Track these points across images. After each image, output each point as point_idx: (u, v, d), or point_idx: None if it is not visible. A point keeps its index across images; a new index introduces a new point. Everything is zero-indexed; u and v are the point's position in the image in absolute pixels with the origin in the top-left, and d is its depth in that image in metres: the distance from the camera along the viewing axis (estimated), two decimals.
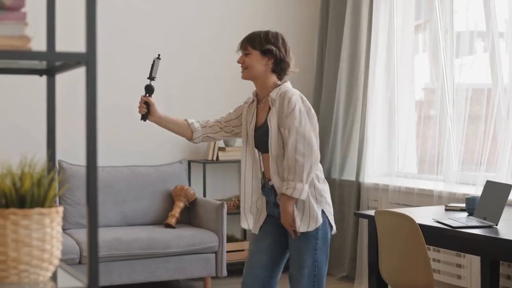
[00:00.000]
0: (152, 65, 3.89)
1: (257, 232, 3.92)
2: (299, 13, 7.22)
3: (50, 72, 2.21)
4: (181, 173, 6.54)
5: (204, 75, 6.84)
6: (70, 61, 1.82)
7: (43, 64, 2.07)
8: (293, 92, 3.80)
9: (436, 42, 5.86)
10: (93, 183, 1.76)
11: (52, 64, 2.06)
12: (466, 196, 4.71)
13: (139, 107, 3.88)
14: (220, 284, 6.23)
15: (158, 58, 3.90)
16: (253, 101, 3.94)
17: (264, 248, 3.89)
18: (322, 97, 6.91)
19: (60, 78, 2.28)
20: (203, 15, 6.85)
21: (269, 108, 3.83)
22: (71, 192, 6.03)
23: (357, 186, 6.42)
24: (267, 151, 3.81)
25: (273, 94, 3.81)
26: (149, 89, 3.91)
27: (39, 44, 2.10)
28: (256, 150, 3.89)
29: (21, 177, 1.83)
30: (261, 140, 3.84)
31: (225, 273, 6.00)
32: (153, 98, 3.97)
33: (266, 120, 3.82)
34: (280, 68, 3.86)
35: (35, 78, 2.30)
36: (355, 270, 6.36)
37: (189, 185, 6.61)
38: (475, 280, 5.23)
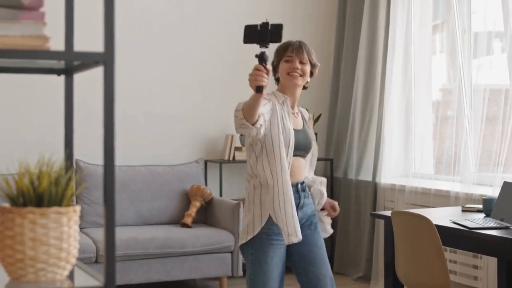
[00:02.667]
0: (268, 28, 3.41)
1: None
2: (316, 13, 7.21)
3: (68, 72, 2.22)
4: (198, 173, 6.55)
5: (222, 74, 6.85)
6: (88, 60, 1.83)
7: (61, 64, 2.07)
8: None
9: (454, 43, 5.84)
10: (110, 183, 1.76)
11: (70, 63, 2.06)
12: (483, 197, 4.69)
13: (260, 77, 3.33)
14: (236, 284, 6.23)
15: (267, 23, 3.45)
16: (282, 102, 3.85)
17: (278, 276, 3.79)
18: (339, 98, 6.90)
19: (78, 77, 2.28)
20: (220, 14, 6.85)
21: (303, 118, 4.00)
22: (88, 191, 6.05)
23: (374, 186, 6.40)
24: (301, 155, 3.88)
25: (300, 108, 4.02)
26: (264, 57, 3.36)
27: (57, 43, 2.11)
28: (285, 152, 3.77)
29: (39, 176, 1.84)
30: (300, 143, 3.85)
31: (240, 272, 6.00)
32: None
33: (304, 126, 3.95)
34: (305, 85, 3.96)
35: (53, 77, 2.31)
36: (371, 271, 6.35)
37: (206, 184, 6.62)
38: (491, 281, 5.20)
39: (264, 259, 3.72)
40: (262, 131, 3.61)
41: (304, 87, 3.95)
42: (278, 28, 3.42)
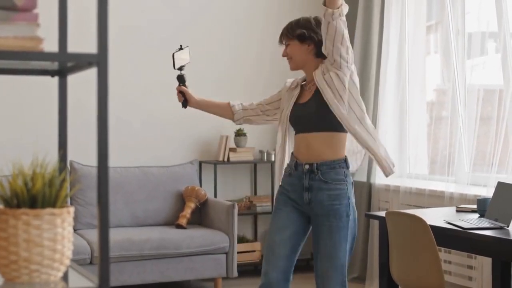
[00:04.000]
0: (173, 55, 4.01)
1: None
2: (310, 13, 7.20)
3: (61, 73, 2.22)
4: (192, 174, 6.55)
5: (216, 75, 6.85)
6: (81, 62, 1.83)
7: (54, 65, 2.07)
8: None
9: (448, 43, 5.85)
10: (104, 184, 1.76)
11: (63, 65, 2.06)
12: (478, 197, 4.69)
13: (177, 96, 4.11)
14: (230, 285, 6.23)
15: (180, 49, 4.04)
16: (296, 86, 3.91)
17: (286, 239, 3.81)
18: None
19: (71, 78, 2.28)
20: (215, 16, 6.85)
21: (317, 89, 3.79)
22: (82, 193, 6.04)
23: (368, 187, 6.41)
24: (307, 131, 3.80)
25: (317, 72, 3.80)
26: (180, 79, 4.09)
27: (51, 45, 2.11)
28: (288, 131, 3.90)
29: (32, 177, 1.84)
30: (298, 118, 3.83)
31: (235, 273, 6.00)
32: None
33: (309, 100, 3.81)
34: (321, 50, 3.81)
35: (47, 78, 2.31)
36: (366, 271, 6.36)
37: (200, 185, 6.62)
38: (486, 281, 5.21)
39: (271, 221, 3.94)
40: (240, 122, 4.17)
41: (320, 55, 3.81)
42: (175, 56, 4.03)
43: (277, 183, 3.96)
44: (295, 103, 3.86)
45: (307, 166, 3.77)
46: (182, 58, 4.03)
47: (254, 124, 4.25)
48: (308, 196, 3.78)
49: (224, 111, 4.14)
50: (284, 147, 3.91)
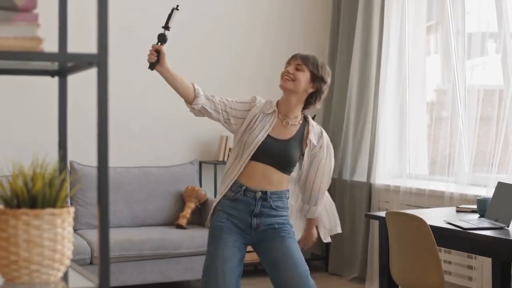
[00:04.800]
0: (170, 14, 3.85)
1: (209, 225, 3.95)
2: (311, 14, 7.21)
3: (61, 73, 2.22)
4: (192, 174, 6.55)
5: (216, 75, 6.85)
6: (81, 62, 1.83)
7: (55, 65, 2.07)
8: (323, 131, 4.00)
9: (448, 43, 5.85)
10: (104, 184, 1.76)
11: (63, 65, 2.06)
12: (478, 198, 4.70)
13: (149, 55, 3.79)
14: None
15: (176, 9, 3.87)
16: (272, 113, 3.86)
17: (235, 267, 3.81)
18: (333, 98, 6.90)
19: (71, 79, 2.28)
20: (215, 15, 6.85)
21: (301, 133, 3.87)
22: (83, 193, 6.04)
23: (368, 187, 6.41)
24: (272, 165, 3.80)
25: (314, 129, 3.92)
26: (162, 38, 3.81)
27: (51, 45, 2.11)
28: (245, 155, 3.82)
29: (32, 177, 1.84)
30: (270, 152, 3.80)
31: None
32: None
33: (290, 139, 3.83)
34: (312, 99, 3.87)
35: (47, 79, 2.31)
36: (366, 271, 6.36)
37: (200, 186, 6.62)
38: (486, 281, 5.21)
39: (215, 250, 3.89)
40: (197, 108, 3.84)
41: (308, 105, 3.87)
42: (172, 13, 3.87)
43: (216, 200, 3.95)
44: (268, 134, 3.82)
45: (259, 193, 3.80)
46: (175, 20, 3.88)
47: (203, 116, 3.97)
48: (257, 221, 3.81)
49: (187, 90, 3.84)
50: (238, 169, 3.83)
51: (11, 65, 1.99)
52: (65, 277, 1.92)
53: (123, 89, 6.43)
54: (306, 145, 3.87)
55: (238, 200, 3.82)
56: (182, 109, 6.72)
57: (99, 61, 1.75)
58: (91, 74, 1.86)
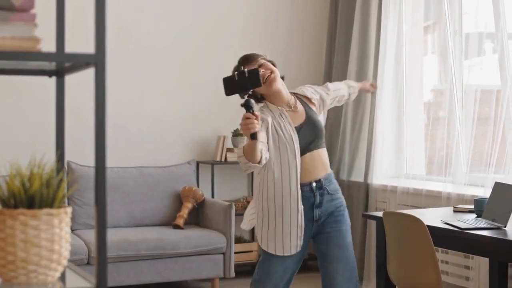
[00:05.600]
0: (244, 77, 3.61)
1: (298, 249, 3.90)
2: (308, 15, 7.21)
3: (59, 73, 2.22)
4: (190, 174, 6.55)
5: (214, 75, 6.84)
6: (79, 62, 1.83)
7: (52, 65, 2.07)
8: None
9: (445, 44, 5.85)
10: (101, 184, 1.76)
11: (61, 65, 2.06)
12: (475, 198, 4.69)
13: (251, 124, 3.44)
14: (228, 285, 6.23)
15: (240, 74, 3.64)
16: (280, 114, 3.91)
17: (290, 275, 3.94)
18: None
19: (69, 79, 2.28)
20: (213, 15, 6.85)
21: (303, 103, 3.99)
22: (80, 193, 6.04)
23: (366, 187, 6.41)
24: (315, 147, 3.89)
25: (305, 92, 4.07)
26: (250, 106, 3.49)
27: (48, 45, 2.11)
28: (299, 156, 3.85)
29: (30, 177, 1.84)
30: (308, 138, 3.89)
31: (233, 274, 6.00)
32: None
33: (307, 115, 3.93)
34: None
35: (44, 79, 2.31)
36: (363, 271, 6.36)
37: (198, 186, 6.62)
38: (483, 282, 5.21)
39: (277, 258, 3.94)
40: (264, 160, 3.68)
41: (282, 78, 3.97)
42: (255, 73, 3.59)
43: (299, 219, 3.87)
44: (294, 127, 3.90)
45: (314, 184, 3.87)
46: (245, 83, 3.64)
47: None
48: (318, 212, 3.89)
49: (258, 154, 3.59)
50: (295, 173, 3.82)
51: (9, 65, 1.99)
52: (62, 277, 1.92)
53: (121, 89, 6.43)
54: (314, 105, 4.02)
55: (307, 196, 3.89)
56: (179, 109, 6.74)
57: (96, 61, 1.75)
58: (89, 74, 1.86)
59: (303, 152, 3.86)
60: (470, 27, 5.76)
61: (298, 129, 3.89)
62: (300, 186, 3.85)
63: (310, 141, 3.89)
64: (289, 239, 3.86)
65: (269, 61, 3.95)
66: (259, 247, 6.56)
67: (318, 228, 3.92)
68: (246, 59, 3.93)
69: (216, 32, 6.86)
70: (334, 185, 3.97)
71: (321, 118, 4.03)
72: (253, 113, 3.44)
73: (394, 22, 6.34)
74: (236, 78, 3.57)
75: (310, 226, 3.90)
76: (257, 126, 3.44)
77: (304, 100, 4.03)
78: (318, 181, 3.88)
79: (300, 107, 3.98)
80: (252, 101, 3.49)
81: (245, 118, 3.42)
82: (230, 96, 3.63)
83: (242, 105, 3.47)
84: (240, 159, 3.63)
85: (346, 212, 4.00)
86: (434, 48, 6.58)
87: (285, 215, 3.84)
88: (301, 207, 3.83)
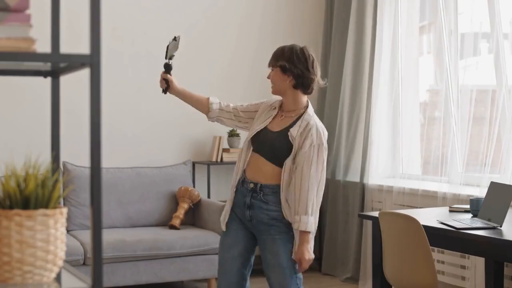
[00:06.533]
0: (167, 46, 4.09)
1: (224, 229, 3.99)
2: (303, 16, 7.22)
3: (54, 74, 2.22)
4: (186, 175, 6.54)
5: (209, 75, 6.84)
6: (74, 62, 1.83)
7: (47, 66, 2.07)
8: (321, 126, 3.85)
9: (441, 44, 5.86)
10: (97, 185, 1.76)
11: (56, 65, 2.06)
12: (471, 198, 4.70)
13: (160, 82, 4.13)
14: None
15: (174, 40, 4.11)
16: (275, 108, 3.93)
17: (236, 256, 3.91)
18: (326, 98, 6.91)
19: (64, 79, 2.28)
20: (209, 17, 6.85)
21: (297, 126, 3.81)
22: (76, 194, 6.03)
23: (361, 187, 6.41)
24: (264, 156, 3.84)
25: (302, 122, 3.82)
26: (167, 68, 4.14)
27: (43, 45, 2.11)
28: (249, 148, 3.92)
29: (25, 178, 1.84)
30: (262, 143, 3.85)
31: None
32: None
33: (281, 132, 3.83)
34: (301, 84, 3.83)
35: (39, 79, 2.31)
36: (359, 271, 6.36)
37: (193, 186, 6.62)
38: (479, 281, 5.22)
39: (221, 239, 4.05)
40: (212, 120, 4.17)
41: (302, 90, 3.85)
42: (167, 47, 4.09)
43: (231, 193, 3.98)
44: (266, 126, 3.89)
45: (251, 185, 3.85)
46: (173, 48, 4.13)
47: (224, 125, 4.22)
48: (249, 213, 3.86)
49: (202, 105, 4.16)
50: (244, 160, 3.94)
51: (4, 65, 1.99)
52: (58, 278, 1.92)
53: (116, 90, 6.43)
54: (292, 139, 3.79)
55: (237, 190, 3.93)
56: (175, 109, 6.73)
57: (91, 61, 1.75)
58: (84, 74, 1.86)
59: (256, 149, 3.87)
60: (465, 27, 5.77)
61: (265, 130, 3.87)
62: (243, 181, 3.89)
63: (262, 146, 3.85)
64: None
65: (286, 65, 3.82)
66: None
67: (254, 230, 3.88)
68: (274, 53, 3.91)
69: (212, 34, 6.86)
70: (274, 198, 3.80)
71: (283, 148, 3.81)
72: (166, 74, 4.12)
73: (390, 22, 6.35)
74: (167, 44, 4.10)
75: (247, 223, 3.89)
76: (163, 85, 4.12)
77: (303, 130, 3.80)
78: (255, 184, 3.83)
79: (287, 122, 3.86)
80: (170, 65, 4.14)
81: (160, 76, 4.12)
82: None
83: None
84: None
85: (282, 225, 3.79)
86: (429, 48, 6.59)
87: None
88: (232, 193, 3.95)
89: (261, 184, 3.82)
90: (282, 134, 3.83)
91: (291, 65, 3.81)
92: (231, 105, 4.10)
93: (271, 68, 3.90)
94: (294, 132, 3.79)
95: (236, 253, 3.90)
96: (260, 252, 3.91)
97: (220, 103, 4.10)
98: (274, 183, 3.81)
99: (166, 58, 4.13)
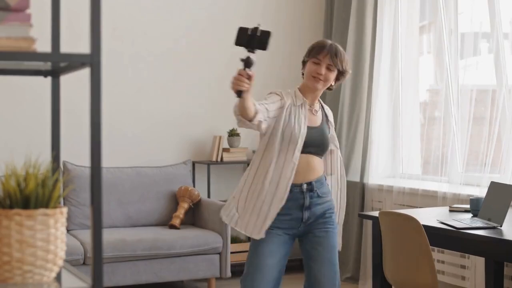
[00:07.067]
0: (249, 35, 3.43)
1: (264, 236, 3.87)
2: (303, 16, 7.21)
3: (54, 73, 2.22)
4: (186, 174, 6.54)
5: (209, 75, 6.84)
6: (74, 62, 1.83)
7: (47, 65, 2.07)
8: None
9: (441, 43, 5.86)
10: (97, 184, 1.76)
11: (56, 65, 2.06)
12: (471, 197, 4.70)
13: (240, 82, 3.39)
14: (224, 285, 6.23)
15: (255, 29, 3.44)
16: (301, 105, 3.90)
17: (277, 262, 3.89)
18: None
19: (64, 79, 2.28)
20: (209, 17, 6.85)
21: (325, 116, 4.02)
22: (76, 193, 6.03)
23: (362, 187, 6.41)
24: (314, 153, 3.89)
25: (329, 111, 4.09)
26: (249, 62, 3.42)
27: (43, 45, 2.11)
28: (298, 153, 3.83)
29: (25, 178, 1.84)
30: (313, 141, 3.88)
31: (229, 274, 6.00)
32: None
33: (322, 124, 3.95)
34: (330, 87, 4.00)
35: (39, 79, 2.31)
36: (359, 271, 6.36)
37: (194, 186, 6.62)
38: (479, 281, 5.22)
39: (260, 243, 3.88)
40: (264, 126, 3.69)
41: (329, 88, 3.99)
42: (266, 35, 3.43)
43: (274, 211, 3.83)
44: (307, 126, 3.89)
45: (305, 186, 3.87)
46: (258, 40, 3.46)
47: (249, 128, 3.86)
48: (308, 214, 3.88)
49: (252, 111, 3.57)
50: (292, 167, 3.81)
51: (4, 65, 1.99)
52: (58, 278, 1.92)
53: (116, 89, 6.43)
54: (329, 127, 4.00)
55: (287, 199, 3.85)
56: (175, 109, 6.73)
57: (92, 61, 1.75)
58: (84, 74, 1.86)
59: (302, 151, 3.83)
60: (465, 27, 5.77)
61: (309, 128, 3.87)
62: (292, 187, 3.83)
63: (314, 145, 3.88)
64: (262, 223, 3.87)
65: (343, 71, 3.90)
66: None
67: (306, 228, 3.90)
68: (340, 55, 3.88)
69: (212, 33, 6.86)
70: (325, 188, 3.95)
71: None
72: (248, 72, 3.39)
73: (390, 22, 6.34)
74: (249, 33, 3.43)
75: (297, 226, 3.88)
76: (246, 85, 3.39)
77: (326, 116, 4.04)
78: (309, 184, 3.87)
79: (319, 114, 3.99)
80: (253, 59, 3.40)
81: (238, 73, 3.39)
82: (232, 94, 3.54)
83: (241, 60, 3.41)
84: (234, 109, 3.59)
85: (334, 215, 3.98)
86: (429, 48, 6.58)
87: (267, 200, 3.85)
88: (282, 201, 3.82)
89: (314, 181, 3.88)
90: (324, 126, 3.97)
91: (345, 74, 3.95)
92: (258, 107, 3.68)
93: (330, 65, 3.84)
94: (330, 119, 4.04)
95: (276, 259, 3.88)
96: (309, 246, 3.91)
97: (257, 110, 3.63)
98: (321, 174, 3.94)
99: (249, 51, 3.44)
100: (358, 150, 6.52)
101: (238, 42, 3.47)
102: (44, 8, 2.47)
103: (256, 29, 3.43)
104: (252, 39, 3.42)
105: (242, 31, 3.48)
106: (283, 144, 3.82)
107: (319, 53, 3.86)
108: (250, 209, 3.89)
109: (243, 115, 3.54)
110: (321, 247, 3.89)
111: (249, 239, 6.82)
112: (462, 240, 4.13)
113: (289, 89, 3.99)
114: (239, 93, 3.40)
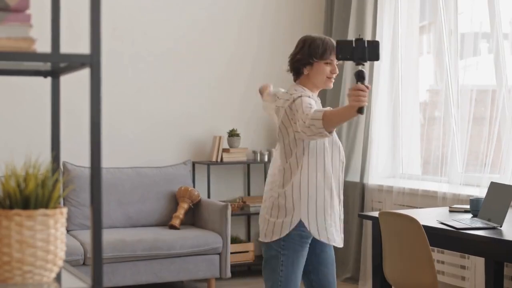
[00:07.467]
0: (363, 46, 3.33)
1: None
2: (303, 16, 7.21)
3: (54, 74, 2.22)
4: (186, 174, 6.54)
5: (209, 75, 6.84)
6: (74, 62, 1.83)
7: (47, 66, 2.07)
8: None
9: (441, 44, 5.86)
10: (97, 184, 1.76)
11: (56, 65, 2.06)
12: (470, 198, 4.70)
13: (364, 98, 3.30)
14: (224, 285, 6.23)
15: (360, 40, 3.35)
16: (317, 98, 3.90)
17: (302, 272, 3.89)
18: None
19: (64, 79, 2.28)
20: (209, 17, 6.85)
21: None
22: (76, 193, 6.03)
23: (361, 187, 6.41)
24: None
25: None
26: (362, 76, 3.33)
27: (43, 45, 2.11)
28: (327, 153, 3.78)
29: (25, 178, 1.83)
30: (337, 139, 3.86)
31: (229, 274, 6.00)
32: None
33: None
34: None
35: (39, 79, 2.30)
36: (359, 272, 6.36)
37: (194, 186, 6.62)
38: (479, 281, 5.22)
39: (297, 260, 3.75)
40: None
41: None
42: (375, 46, 3.34)
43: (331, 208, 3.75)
44: None
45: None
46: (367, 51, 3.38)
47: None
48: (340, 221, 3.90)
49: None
50: (329, 169, 3.72)
51: (4, 65, 1.99)
52: (58, 278, 1.92)
53: (116, 90, 6.42)
54: None
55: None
56: (175, 109, 6.73)
57: (92, 61, 1.75)
58: (84, 74, 1.86)
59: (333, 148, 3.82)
60: (465, 27, 5.77)
61: None
62: None
63: (337, 142, 3.88)
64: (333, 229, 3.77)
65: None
66: (256, 248, 6.56)
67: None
68: (343, 46, 3.75)
69: (212, 34, 6.86)
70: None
71: None
72: (366, 85, 3.28)
73: (390, 22, 6.34)
74: (353, 45, 3.32)
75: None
76: (366, 99, 3.29)
77: None
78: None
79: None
80: (365, 72, 3.32)
81: (357, 89, 3.28)
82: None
83: (354, 75, 3.33)
84: (315, 122, 3.40)
85: None
86: (429, 48, 6.58)
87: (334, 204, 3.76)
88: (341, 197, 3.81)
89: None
90: None
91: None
92: None
93: (338, 60, 3.70)
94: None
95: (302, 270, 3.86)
96: (321, 252, 3.88)
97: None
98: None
99: (361, 62, 3.34)
100: (358, 150, 6.52)
101: (343, 56, 3.38)
102: (44, 8, 2.47)
103: (361, 40, 3.33)
104: (359, 52, 3.33)
105: (343, 44, 3.38)
106: (317, 146, 3.74)
107: (332, 54, 3.76)
108: (329, 218, 3.78)
109: (327, 129, 3.42)
110: (329, 248, 3.90)
111: (249, 239, 6.84)
112: (462, 241, 4.13)
113: (295, 88, 3.89)
114: (361, 110, 3.29)
